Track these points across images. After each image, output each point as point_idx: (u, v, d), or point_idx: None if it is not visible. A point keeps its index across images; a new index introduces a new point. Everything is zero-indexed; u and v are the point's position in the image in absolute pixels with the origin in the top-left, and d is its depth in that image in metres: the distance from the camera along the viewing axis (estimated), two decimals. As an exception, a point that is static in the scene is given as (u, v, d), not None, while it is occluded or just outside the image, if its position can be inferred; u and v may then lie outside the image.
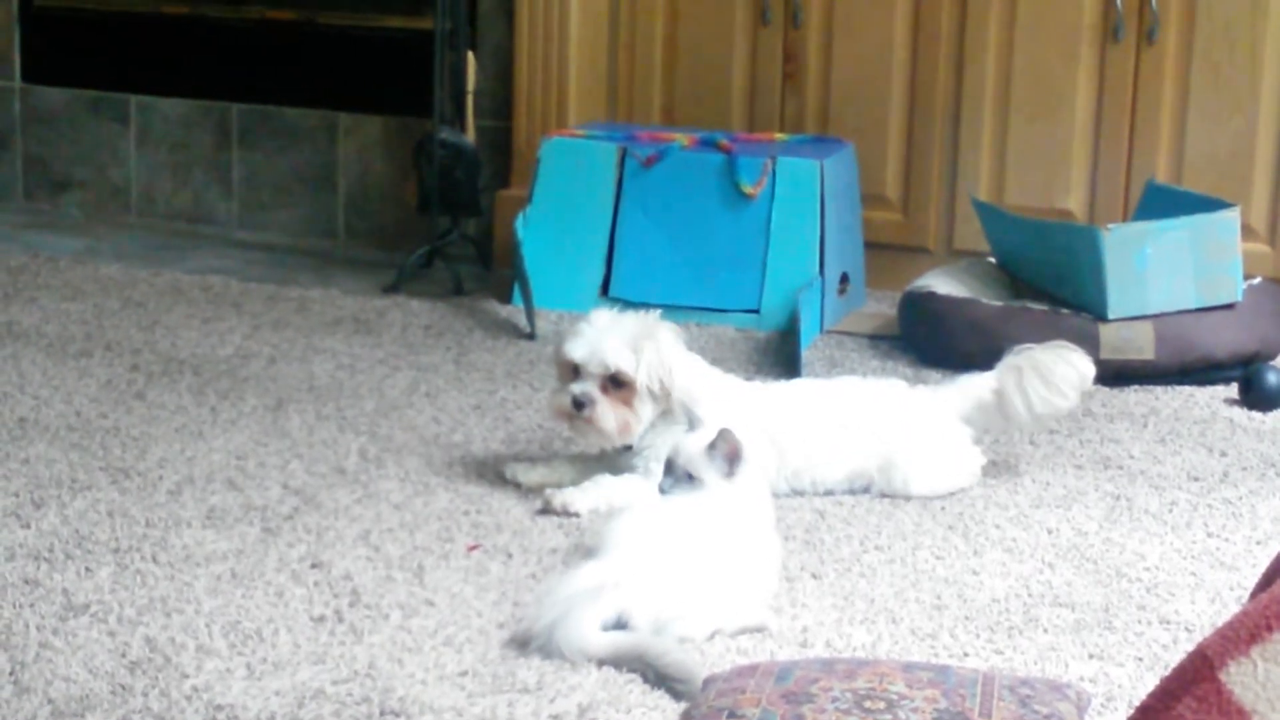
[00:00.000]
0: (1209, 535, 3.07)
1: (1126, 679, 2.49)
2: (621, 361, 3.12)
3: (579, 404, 3.13)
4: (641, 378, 3.12)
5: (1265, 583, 1.78)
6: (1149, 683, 2.46)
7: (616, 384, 3.13)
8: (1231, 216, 4.01)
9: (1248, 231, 4.22)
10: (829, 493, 3.22)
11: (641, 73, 4.91)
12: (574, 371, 3.16)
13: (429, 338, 4.22)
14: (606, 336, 3.15)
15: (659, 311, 3.26)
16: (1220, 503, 3.22)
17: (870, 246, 4.67)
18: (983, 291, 4.17)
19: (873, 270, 4.66)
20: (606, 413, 3.13)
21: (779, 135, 4.69)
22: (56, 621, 2.59)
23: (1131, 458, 3.46)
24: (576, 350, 3.15)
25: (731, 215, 4.38)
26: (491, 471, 3.30)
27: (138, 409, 3.62)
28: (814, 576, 2.84)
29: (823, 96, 4.77)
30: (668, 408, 3.15)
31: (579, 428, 3.18)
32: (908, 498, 3.19)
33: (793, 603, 2.73)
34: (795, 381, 3.55)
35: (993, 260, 4.36)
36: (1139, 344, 3.91)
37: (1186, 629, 2.67)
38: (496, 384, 3.87)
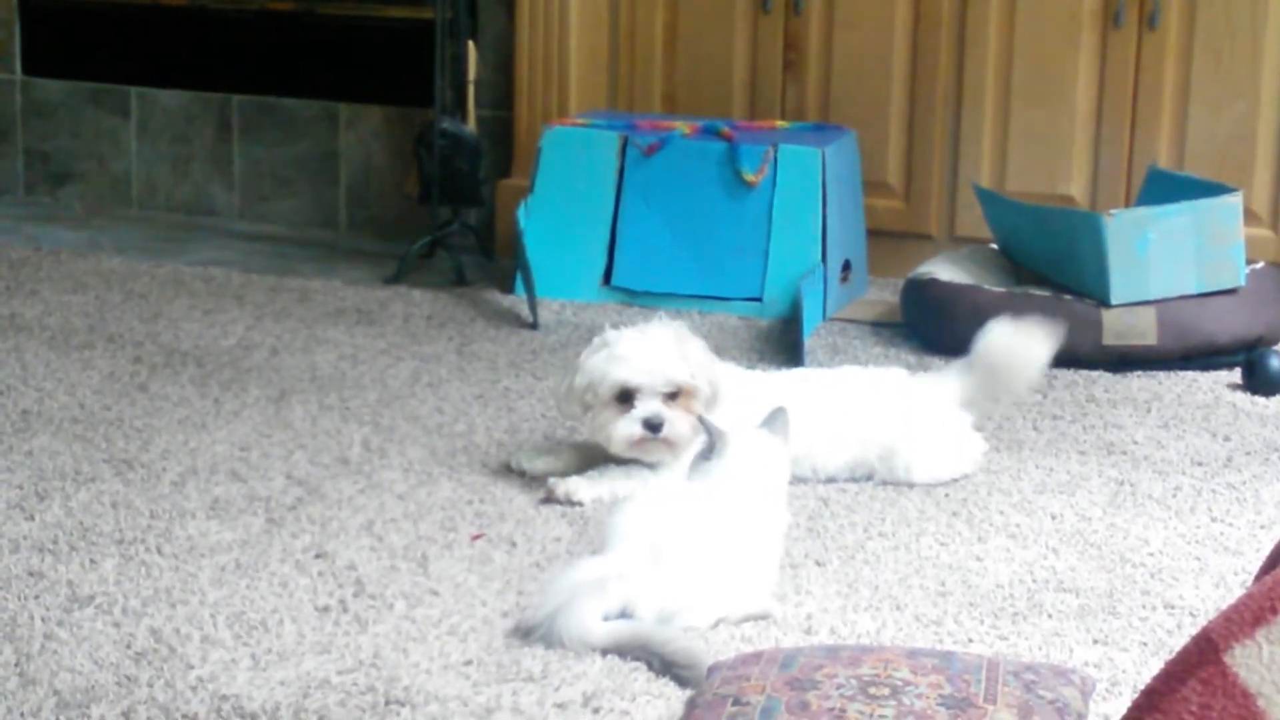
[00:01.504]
0: (1213, 520, 3.07)
1: (1131, 664, 2.49)
2: (683, 374, 3.10)
3: (654, 426, 3.11)
4: (701, 384, 3.10)
5: (1269, 566, 1.78)
6: (1153, 667, 2.46)
7: (672, 395, 3.11)
8: (1234, 201, 4.01)
9: (1250, 216, 4.22)
10: (830, 480, 3.22)
11: (642, 61, 4.91)
12: (621, 397, 3.12)
13: (431, 328, 4.22)
14: (659, 353, 3.09)
15: (661, 313, 3.25)
16: (1224, 487, 3.22)
17: (872, 234, 4.67)
18: (985, 278, 4.16)
19: (875, 257, 4.66)
20: (681, 425, 3.09)
21: (780, 123, 4.68)
22: (61, 613, 2.59)
23: (1135, 443, 3.46)
24: (635, 375, 3.08)
25: (733, 203, 4.38)
26: (495, 461, 3.30)
27: (141, 401, 3.62)
28: (818, 564, 2.84)
29: (824, 84, 4.77)
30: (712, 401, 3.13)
31: (654, 449, 3.12)
32: (910, 485, 3.19)
33: (797, 590, 2.73)
34: (796, 369, 3.55)
35: (995, 247, 4.36)
36: (1141, 329, 3.91)
37: (1191, 614, 2.67)
38: (499, 374, 3.87)
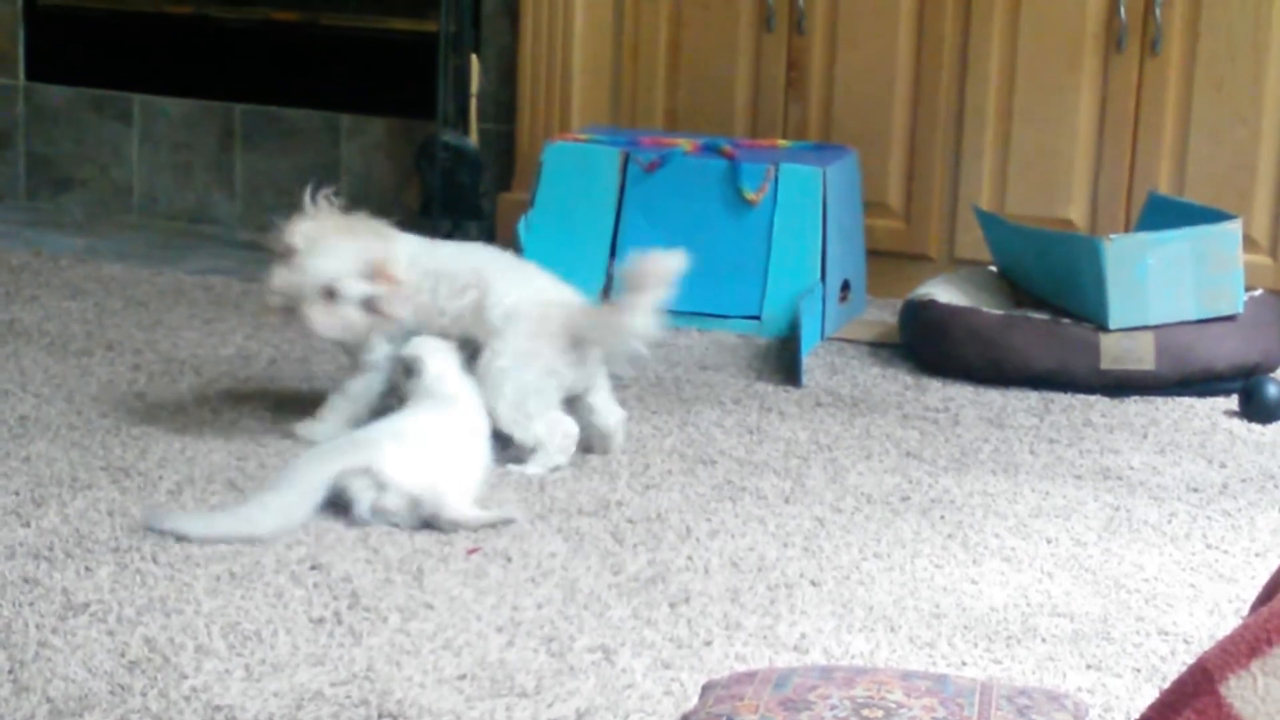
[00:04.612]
0: (1208, 547, 3.07)
1: (1124, 690, 2.49)
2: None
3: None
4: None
5: (1265, 596, 1.78)
6: (1147, 694, 2.46)
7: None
8: (1233, 228, 4.02)
9: (1249, 243, 4.22)
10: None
11: (645, 78, 4.92)
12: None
13: (430, 340, 4.22)
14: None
15: None
16: (1219, 514, 3.22)
17: (872, 254, 4.67)
18: (984, 300, 4.17)
19: (874, 278, 4.67)
20: None
21: (782, 142, 4.69)
22: (56, 620, 2.59)
23: (1131, 469, 3.46)
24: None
25: (733, 221, 4.39)
26: (491, 475, 3.29)
27: (138, 408, 3.62)
28: (813, 584, 2.84)
29: (826, 103, 4.78)
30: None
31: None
32: None
33: (791, 609, 2.73)
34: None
35: (994, 269, 4.37)
36: (1139, 354, 3.91)
37: (1185, 640, 2.67)
38: (497, 387, 3.86)
